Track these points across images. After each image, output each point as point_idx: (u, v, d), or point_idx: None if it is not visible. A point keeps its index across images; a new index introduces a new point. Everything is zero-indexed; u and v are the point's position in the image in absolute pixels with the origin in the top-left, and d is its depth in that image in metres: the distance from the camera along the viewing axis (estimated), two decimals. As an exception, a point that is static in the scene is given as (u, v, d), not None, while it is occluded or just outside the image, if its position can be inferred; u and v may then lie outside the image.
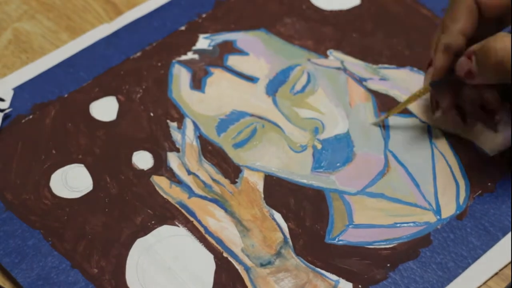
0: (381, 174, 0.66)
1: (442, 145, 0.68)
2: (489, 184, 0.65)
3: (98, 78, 0.72)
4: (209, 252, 0.62)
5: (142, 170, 0.66)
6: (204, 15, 0.77)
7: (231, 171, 0.66)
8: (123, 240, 0.62)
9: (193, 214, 0.64)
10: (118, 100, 0.71)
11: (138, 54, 0.74)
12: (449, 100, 0.66)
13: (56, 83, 0.72)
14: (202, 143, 0.68)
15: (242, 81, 0.72)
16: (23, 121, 0.69)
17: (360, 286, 0.60)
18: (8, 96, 0.70)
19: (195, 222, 0.63)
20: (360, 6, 0.78)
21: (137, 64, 0.73)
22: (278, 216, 0.64)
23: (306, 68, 0.73)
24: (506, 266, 0.61)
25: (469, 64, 0.62)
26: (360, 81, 0.72)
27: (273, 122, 0.69)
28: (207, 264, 0.61)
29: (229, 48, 0.74)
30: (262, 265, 0.61)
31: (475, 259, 0.61)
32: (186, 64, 0.73)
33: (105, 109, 0.70)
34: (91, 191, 0.65)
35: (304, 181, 0.66)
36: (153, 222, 0.63)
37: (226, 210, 0.64)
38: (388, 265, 0.61)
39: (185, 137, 0.68)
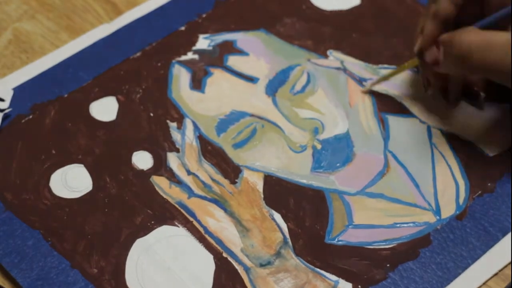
0: (381, 174, 0.66)
1: (442, 145, 0.68)
2: (489, 184, 0.65)
3: (98, 78, 0.72)
4: (209, 252, 0.62)
5: (142, 170, 0.66)
6: (204, 15, 0.77)
7: (231, 171, 0.66)
8: (123, 240, 0.62)
9: (192, 214, 0.64)
10: (118, 100, 0.71)
11: (138, 54, 0.74)
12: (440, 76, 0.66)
13: (56, 83, 0.72)
14: (202, 143, 0.68)
15: (242, 81, 0.72)
16: (23, 121, 0.69)
17: (359, 286, 0.60)
18: (8, 96, 0.70)
19: (195, 222, 0.63)
20: (360, 6, 0.78)
21: (137, 64, 0.73)
22: (277, 216, 0.63)
23: (306, 68, 0.73)
24: (506, 266, 0.61)
25: (436, 52, 0.62)
26: (360, 81, 0.72)
27: (273, 122, 0.69)
28: (206, 264, 0.61)
29: (229, 48, 0.74)
30: (261, 265, 0.61)
31: (474, 259, 0.61)
32: (186, 64, 0.73)
33: (105, 109, 0.70)
34: (90, 191, 0.65)
35: (304, 181, 0.66)
36: (152, 222, 0.63)
37: (225, 210, 0.64)
38: (388, 265, 0.61)
39: (185, 137, 0.68)
